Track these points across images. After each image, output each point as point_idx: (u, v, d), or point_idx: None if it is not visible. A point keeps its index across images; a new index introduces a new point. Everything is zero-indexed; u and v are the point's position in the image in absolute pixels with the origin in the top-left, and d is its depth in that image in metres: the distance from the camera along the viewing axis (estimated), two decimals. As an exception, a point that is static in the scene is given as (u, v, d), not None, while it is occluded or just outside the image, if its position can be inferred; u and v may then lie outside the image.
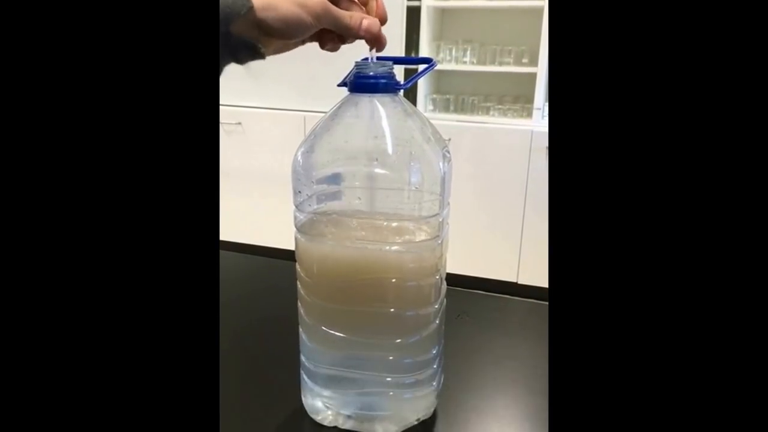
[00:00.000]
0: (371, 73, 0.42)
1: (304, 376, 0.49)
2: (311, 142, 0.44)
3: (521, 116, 2.12)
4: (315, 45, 0.44)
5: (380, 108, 0.43)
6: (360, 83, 0.42)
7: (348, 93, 0.43)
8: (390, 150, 0.43)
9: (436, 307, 0.47)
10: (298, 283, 0.47)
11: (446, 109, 2.25)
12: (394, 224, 0.44)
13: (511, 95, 2.23)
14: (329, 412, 0.48)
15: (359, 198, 0.44)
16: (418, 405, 0.48)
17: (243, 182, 2.28)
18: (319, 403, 0.48)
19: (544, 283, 1.90)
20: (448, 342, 0.51)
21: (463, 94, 2.26)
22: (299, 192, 0.45)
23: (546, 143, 1.94)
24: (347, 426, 0.47)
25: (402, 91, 0.44)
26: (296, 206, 0.46)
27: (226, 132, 2.29)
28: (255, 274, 0.82)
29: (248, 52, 0.39)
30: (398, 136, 0.43)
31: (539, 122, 2.03)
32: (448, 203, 0.46)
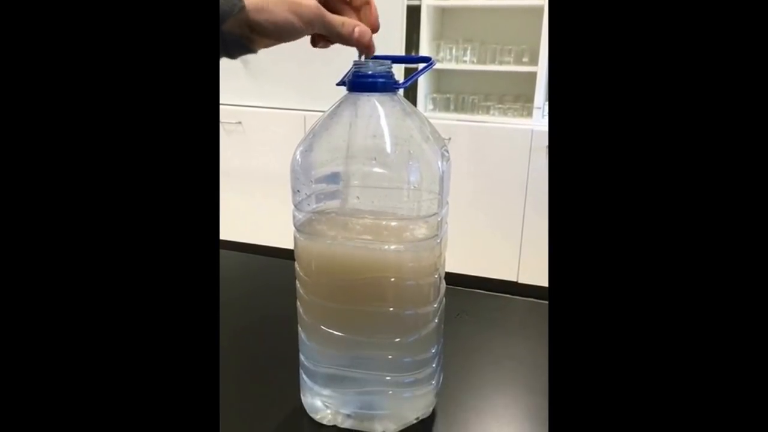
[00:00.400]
0: (370, 72, 0.42)
1: (303, 375, 0.49)
2: (310, 141, 0.44)
3: (521, 115, 2.12)
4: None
5: (379, 107, 0.43)
6: (359, 82, 0.42)
7: (347, 92, 0.43)
8: (389, 149, 0.43)
9: (435, 306, 0.46)
10: (297, 282, 0.47)
11: (446, 109, 2.25)
12: (393, 223, 0.44)
13: (511, 94, 2.23)
14: (328, 411, 0.48)
15: (358, 197, 0.44)
16: (418, 404, 0.48)
17: (242, 181, 2.28)
18: (318, 402, 0.48)
19: (543, 282, 1.90)
20: (448, 341, 0.51)
21: (464, 94, 2.26)
22: (298, 191, 0.45)
23: (546, 142, 1.94)
24: (346, 425, 0.47)
25: (401, 90, 0.44)
26: (295, 205, 0.46)
27: (226, 131, 2.29)
28: (254, 273, 0.82)
29: (239, 49, 0.39)
30: (397, 135, 0.43)
31: (539, 121, 2.03)
32: (447, 202, 0.46)
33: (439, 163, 0.43)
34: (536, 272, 2.04)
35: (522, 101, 2.18)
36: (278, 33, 0.39)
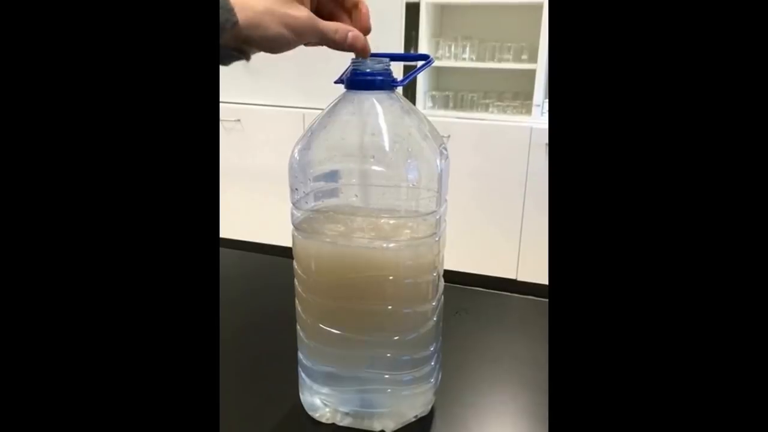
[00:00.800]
0: (368, 70, 0.42)
1: (302, 374, 0.49)
2: (308, 139, 0.44)
3: (521, 113, 2.12)
4: None
5: (377, 105, 0.43)
6: (357, 80, 0.42)
7: (345, 90, 0.43)
8: (387, 147, 0.43)
9: (434, 304, 0.46)
10: (295, 280, 0.47)
11: (445, 106, 2.24)
12: (392, 221, 0.44)
13: (510, 92, 2.23)
14: (327, 410, 0.48)
15: (356, 195, 0.44)
16: (416, 402, 0.48)
17: (241, 179, 2.28)
18: (317, 401, 0.48)
19: (543, 280, 1.90)
20: (447, 339, 0.51)
21: (463, 91, 2.25)
22: (296, 189, 0.45)
23: (545, 140, 1.94)
24: (345, 423, 0.47)
25: (400, 88, 0.44)
26: (293, 203, 0.45)
27: (225, 129, 2.29)
28: (253, 272, 0.82)
29: (232, 59, 0.39)
30: (395, 133, 0.43)
31: (539, 119, 2.03)
32: (446, 200, 0.45)
33: (438, 161, 0.43)
34: (535, 270, 2.04)
35: (521, 99, 2.18)
36: (271, 47, 0.39)
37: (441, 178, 0.43)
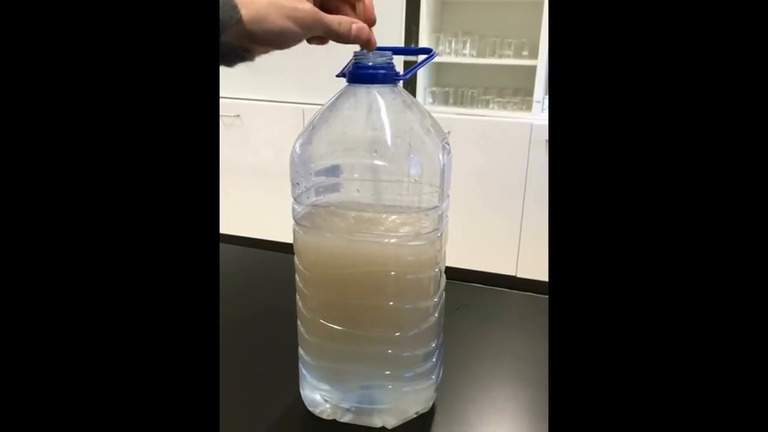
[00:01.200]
0: (370, 64, 0.42)
1: (302, 370, 0.49)
2: (309, 133, 0.43)
3: (521, 109, 2.12)
4: None
5: (379, 99, 0.42)
6: (359, 74, 0.42)
7: (347, 84, 0.43)
8: (389, 141, 0.43)
9: (436, 300, 0.46)
10: (296, 276, 0.47)
11: (445, 102, 2.24)
12: (393, 217, 0.44)
13: (510, 88, 2.23)
14: (328, 405, 0.48)
15: (358, 190, 0.44)
16: (417, 398, 0.48)
17: (241, 174, 2.27)
18: (317, 397, 0.48)
19: (542, 276, 1.91)
20: (447, 335, 0.51)
21: (463, 87, 2.25)
22: (297, 184, 0.44)
23: (546, 136, 1.94)
24: (346, 419, 0.47)
25: (401, 82, 0.44)
26: (294, 198, 0.45)
27: (224, 124, 2.28)
28: (253, 267, 0.82)
29: (237, 59, 0.39)
30: (397, 128, 0.43)
31: (539, 115, 2.02)
32: (448, 195, 0.45)
33: (440, 155, 0.43)
34: (535, 266, 2.04)
35: (521, 95, 2.18)
36: (277, 41, 0.39)
37: (443, 173, 0.43)
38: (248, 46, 0.38)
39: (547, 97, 1.82)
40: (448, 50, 2.20)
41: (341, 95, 0.43)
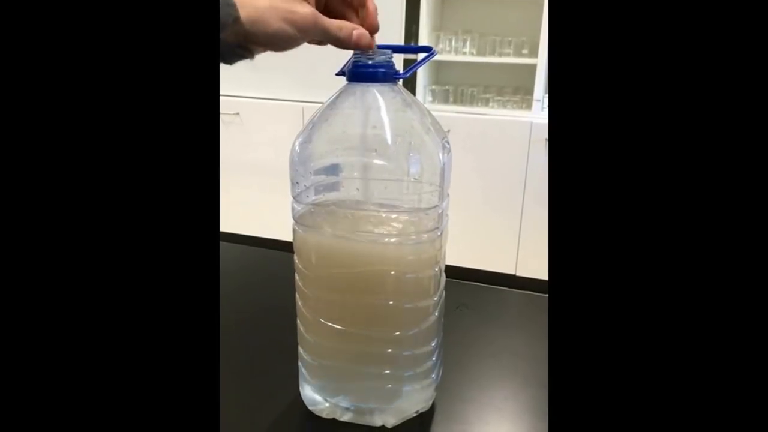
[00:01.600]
0: (370, 62, 0.42)
1: (302, 369, 0.49)
2: (309, 132, 0.43)
3: (521, 108, 2.11)
4: None
5: (379, 97, 0.42)
6: (358, 72, 0.42)
7: (346, 82, 0.43)
8: (389, 140, 0.42)
9: (435, 299, 0.46)
10: (296, 275, 0.47)
11: (445, 101, 2.24)
12: (393, 216, 0.44)
13: (510, 86, 2.23)
14: (327, 404, 0.48)
15: (358, 189, 0.44)
16: (417, 397, 0.48)
17: (241, 173, 2.27)
18: (317, 396, 0.48)
19: (542, 275, 1.91)
20: (447, 334, 0.51)
21: (463, 85, 2.25)
22: (297, 183, 0.44)
23: (546, 135, 1.93)
24: (345, 418, 0.47)
25: (401, 80, 0.43)
26: (294, 197, 0.45)
27: (224, 122, 2.28)
28: (253, 266, 0.81)
29: (236, 57, 0.39)
30: (397, 127, 0.43)
31: (539, 114, 2.02)
32: (448, 194, 0.45)
33: (440, 154, 0.43)
34: (534, 265, 2.04)
35: (521, 93, 2.17)
36: (273, 43, 0.38)
37: (443, 172, 0.43)
38: (246, 45, 0.38)
39: (547, 95, 1.82)
40: (448, 48, 2.20)
41: (341, 94, 0.43)
